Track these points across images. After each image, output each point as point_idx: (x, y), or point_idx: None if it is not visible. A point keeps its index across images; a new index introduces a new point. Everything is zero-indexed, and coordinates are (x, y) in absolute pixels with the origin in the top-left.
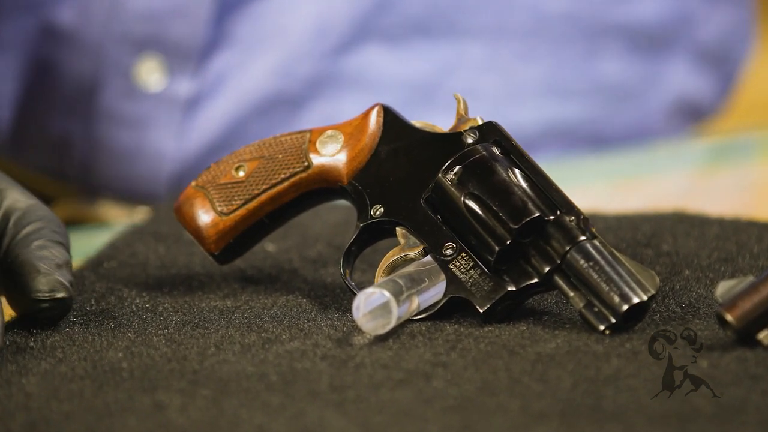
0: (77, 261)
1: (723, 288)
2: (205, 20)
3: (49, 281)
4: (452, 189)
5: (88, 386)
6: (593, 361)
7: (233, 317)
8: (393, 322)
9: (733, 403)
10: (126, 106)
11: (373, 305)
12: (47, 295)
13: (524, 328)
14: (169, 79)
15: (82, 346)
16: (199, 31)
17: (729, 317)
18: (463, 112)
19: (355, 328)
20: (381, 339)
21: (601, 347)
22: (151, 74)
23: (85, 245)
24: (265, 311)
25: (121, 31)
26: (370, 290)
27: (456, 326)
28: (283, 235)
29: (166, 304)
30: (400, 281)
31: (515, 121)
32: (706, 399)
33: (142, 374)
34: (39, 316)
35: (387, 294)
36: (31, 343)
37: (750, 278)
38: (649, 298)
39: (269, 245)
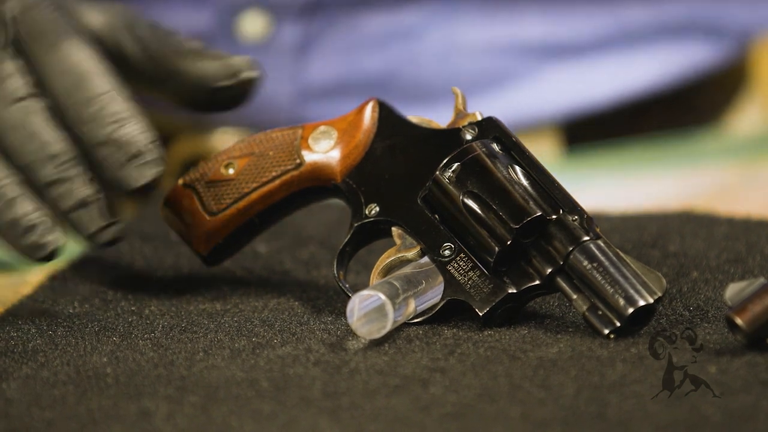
0: (60, 263)
1: (732, 290)
2: None
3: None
4: (450, 187)
5: (71, 392)
6: (597, 367)
7: (222, 321)
8: (389, 326)
9: (743, 410)
10: None
11: (368, 308)
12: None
13: (525, 332)
14: (275, 28)
15: (65, 350)
16: None
17: (739, 321)
18: (461, 107)
19: (350, 332)
20: (376, 343)
21: (605, 352)
22: (254, 27)
23: None
24: (256, 315)
25: None
26: (365, 293)
27: (454, 330)
28: (275, 235)
29: (153, 307)
30: (396, 283)
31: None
32: (715, 406)
33: (128, 380)
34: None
35: (383, 297)
36: (12, 347)
37: (761, 280)
38: (655, 300)
39: (260, 246)
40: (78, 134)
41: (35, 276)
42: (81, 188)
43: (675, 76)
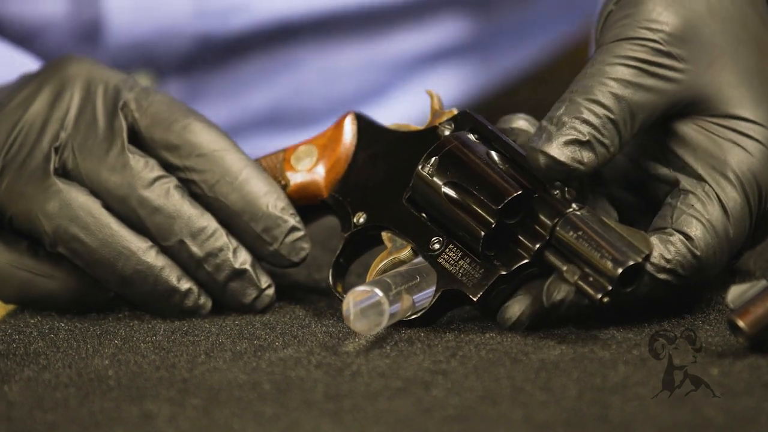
0: None
1: (734, 293)
2: (191, 36)
3: None
4: (431, 181)
5: (73, 395)
6: (599, 369)
7: (224, 324)
8: (385, 321)
9: (745, 413)
10: None
11: (364, 304)
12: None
13: (527, 334)
14: (160, 86)
15: (66, 353)
16: (186, 45)
17: (741, 323)
18: (437, 107)
19: (351, 335)
20: (378, 346)
21: (607, 354)
22: None
23: None
24: (257, 317)
25: (105, 60)
26: (358, 289)
27: (456, 332)
28: None
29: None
30: (388, 279)
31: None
32: (717, 408)
33: (130, 383)
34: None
35: (377, 291)
36: (13, 349)
37: (762, 282)
38: (643, 259)
39: None
40: (224, 209)
41: None
42: (233, 259)
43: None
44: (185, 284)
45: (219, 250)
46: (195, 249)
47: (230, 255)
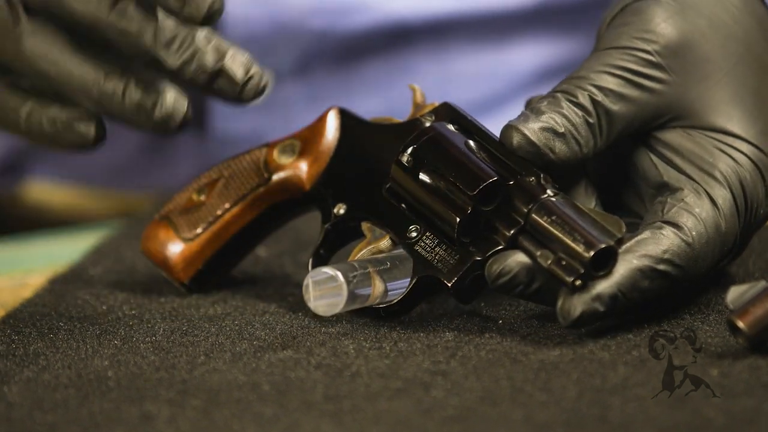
0: (61, 267)
1: (734, 293)
2: (308, 33)
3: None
4: (408, 169)
5: (73, 396)
6: (599, 369)
7: (223, 324)
8: (343, 301)
9: (745, 413)
10: None
11: (323, 285)
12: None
13: (526, 334)
14: (275, 89)
15: (66, 354)
16: (303, 43)
17: (740, 324)
18: (419, 100)
19: (351, 335)
20: (377, 347)
21: (607, 354)
22: None
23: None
24: (257, 318)
25: None
26: (318, 269)
27: (456, 333)
28: (275, 240)
29: (154, 311)
30: (355, 263)
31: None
32: (717, 409)
33: (129, 383)
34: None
35: (334, 272)
36: (13, 350)
37: (762, 283)
38: (615, 242)
39: (260, 250)
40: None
41: (36, 279)
42: (210, 60)
43: None
44: (151, 96)
45: (193, 56)
46: (170, 61)
47: (204, 58)
